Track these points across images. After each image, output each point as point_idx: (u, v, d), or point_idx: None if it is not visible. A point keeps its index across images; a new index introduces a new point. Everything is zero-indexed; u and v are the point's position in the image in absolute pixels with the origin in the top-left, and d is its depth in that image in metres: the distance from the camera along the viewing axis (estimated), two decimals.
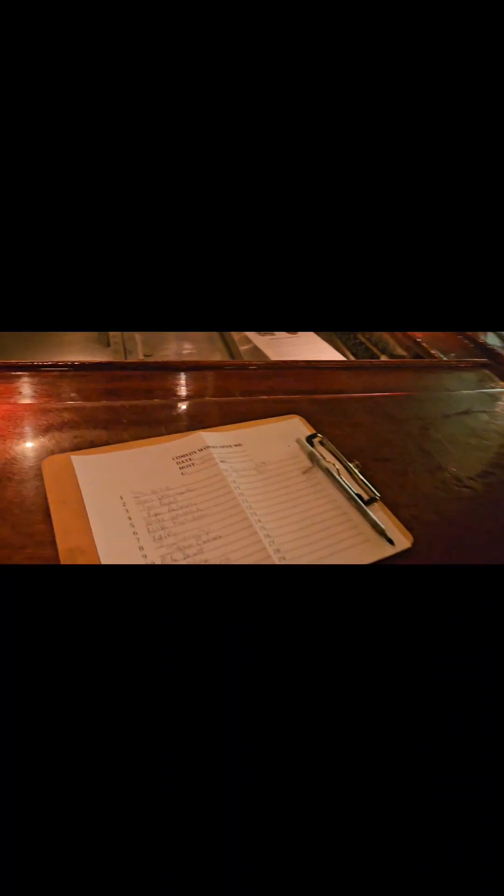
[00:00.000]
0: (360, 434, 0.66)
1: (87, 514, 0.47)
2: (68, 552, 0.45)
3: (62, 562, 0.44)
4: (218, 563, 0.46)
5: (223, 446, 0.58)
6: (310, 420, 0.66)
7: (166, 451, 0.56)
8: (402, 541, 0.51)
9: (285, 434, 0.62)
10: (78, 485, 0.50)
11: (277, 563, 0.46)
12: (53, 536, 0.46)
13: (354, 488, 0.55)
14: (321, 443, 0.61)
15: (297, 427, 0.63)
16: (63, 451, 0.55)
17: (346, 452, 0.61)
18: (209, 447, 0.57)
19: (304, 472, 0.57)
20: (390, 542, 0.50)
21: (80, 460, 0.52)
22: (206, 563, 0.45)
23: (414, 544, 0.51)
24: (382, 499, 0.56)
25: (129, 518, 0.48)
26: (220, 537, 0.48)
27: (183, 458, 0.55)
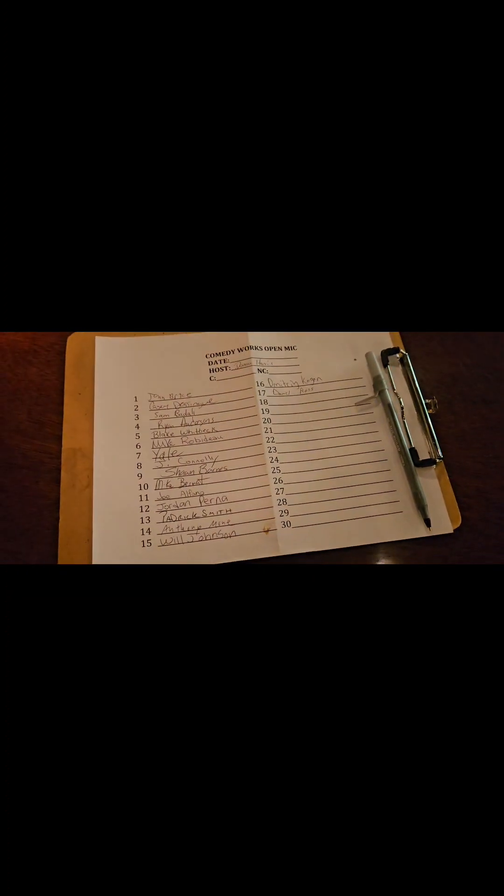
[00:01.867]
0: (467, 355, 0.50)
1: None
2: (70, 452, 0.43)
3: (63, 462, 0.42)
4: (214, 499, 0.41)
5: (270, 348, 0.47)
6: None
7: (200, 346, 0.47)
8: (445, 523, 0.41)
9: (356, 340, 0.48)
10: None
11: (278, 519, 0.40)
12: (62, 431, 0.44)
13: (413, 440, 0.44)
14: (401, 361, 0.47)
15: (378, 332, 0.49)
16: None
17: (431, 382, 0.47)
18: (251, 347, 0.47)
19: (359, 404, 0.45)
20: (427, 522, 0.40)
21: (103, 342, 0.47)
22: (201, 496, 0.41)
23: (460, 529, 0.41)
24: (449, 460, 0.44)
25: (137, 426, 0.44)
26: (225, 470, 0.42)
27: (217, 358, 0.47)
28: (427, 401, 0.45)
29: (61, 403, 0.45)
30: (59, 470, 0.42)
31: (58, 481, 0.42)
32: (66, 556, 0.39)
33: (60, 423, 0.44)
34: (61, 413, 0.45)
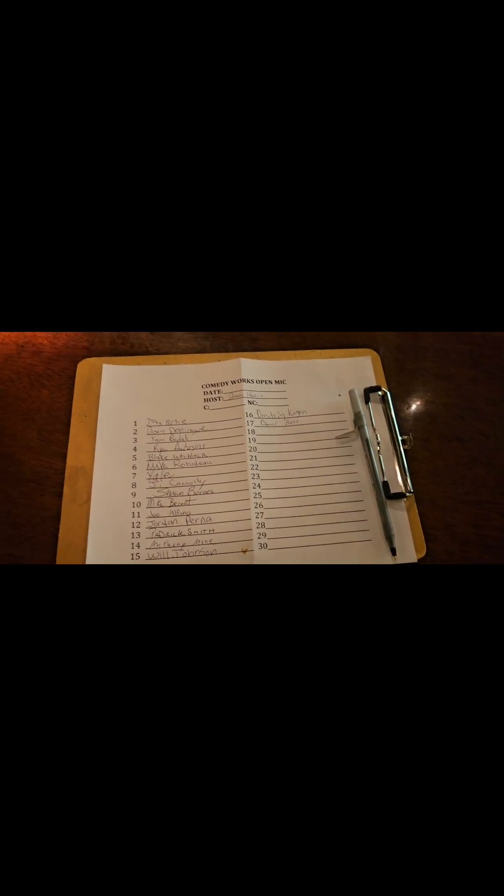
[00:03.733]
0: (446, 395, 0.53)
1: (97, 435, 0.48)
2: (73, 469, 0.47)
3: (66, 478, 0.47)
4: (199, 519, 0.45)
5: (261, 381, 0.52)
6: (388, 360, 0.54)
7: (197, 376, 0.52)
8: (410, 552, 0.44)
9: (342, 377, 0.52)
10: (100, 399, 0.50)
11: (256, 541, 0.44)
12: (67, 449, 0.49)
13: (387, 473, 0.47)
14: (382, 398, 0.51)
15: (363, 369, 0.53)
16: (104, 352, 0.54)
17: (410, 419, 0.51)
18: (243, 380, 0.51)
19: (339, 437, 0.49)
20: (393, 550, 0.44)
21: (110, 370, 0.51)
22: (188, 516, 0.45)
23: (424, 559, 0.44)
24: (421, 494, 0.47)
25: (135, 449, 0.48)
26: (211, 493, 0.46)
27: (211, 389, 0.51)
28: (403, 437, 0.49)
29: (68, 424, 0.50)
30: (62, 485, 0.47)
31: (60, 495, 0.46)
32: (62, 564, 0.43)
33: (66, 442, 0.49)
34: (67, 433, 0.50)
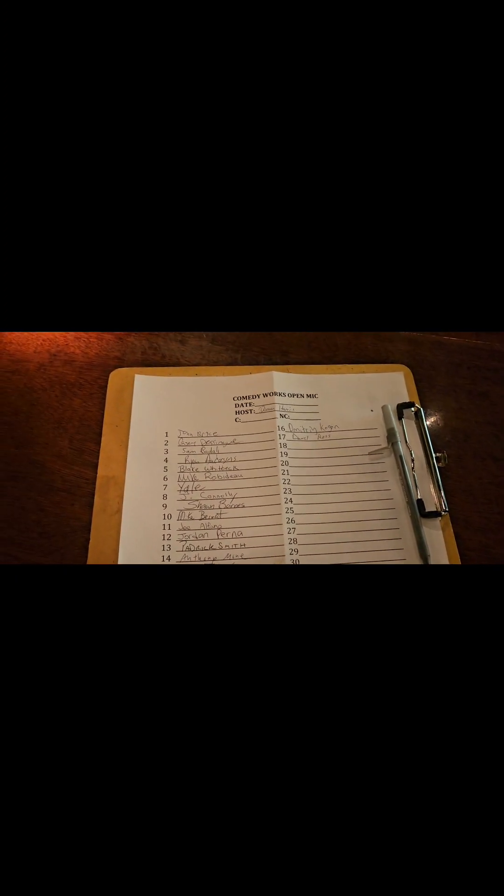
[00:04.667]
0: (480, 412, 0.52)
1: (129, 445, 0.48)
2: (104, 479, 0.47)
3: (97, 488, 0.46)
4: (230, 533, 0.44)
5: (293, 395, 0.51)
6: (421, 376, 0.54)
7: (229, 388, 0.51)
8: None
9: (374, 392, 0.52)
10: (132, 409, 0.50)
11: (288, 557, 0.43)
12: (98, 459, 0.49)
13: (421, 491, 0.46)
14: (416, 415, 0.50)
15: (395, 385, 0.52)
16: (136, 362, 0.54)
17: (444, 436, 0.50)
18: (275, 393, 0.51)
19: (372, 453, 0.48)
20: None
21: (142, 380, 0.51)
22: (219, 530, 0.45)
23: None
24: (455, 513, 0.46)
25: (166, 460, 0.48)
26: (243, 507, 0.46)
27: (243, 401, 0.51)
28: (437, 454, 0.48)
29: (100, 433, 0.50)
30: (93, 495, 0.46)
31: (91, 505, 0.46)
32: None
33: (97, 452, 0.49)
34: (99, 443, 0.49)
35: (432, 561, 0.43)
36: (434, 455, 0.48)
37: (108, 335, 0.56)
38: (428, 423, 0.50)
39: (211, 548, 0.44)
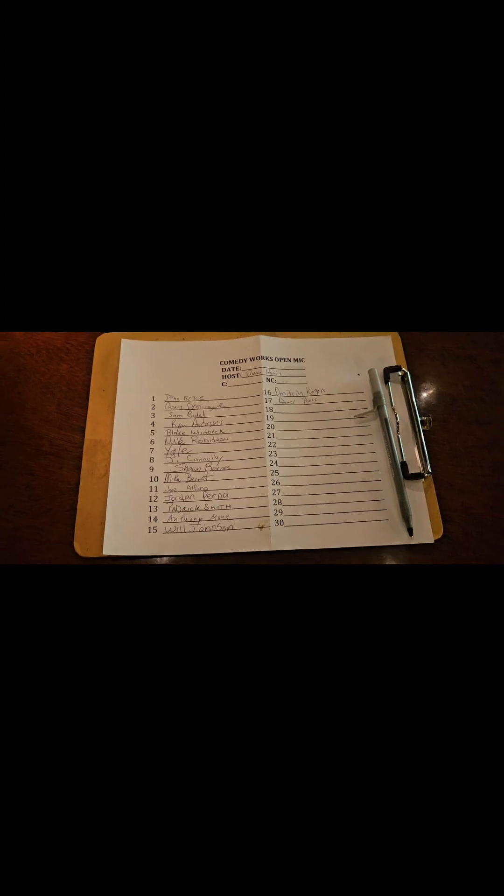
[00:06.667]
0: (465, 376, 0.52)
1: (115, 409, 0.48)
2: (91, 443, 0.47)
3: (85, 451, 0.47)
4: (216, 495, 0.45)
5: (279, 359, 0.51)
6: (410, 341, 0.53)
7: (216, 353, 0.51)
8: (427, 533, 0.44)
9: (362, 356, 0.52)
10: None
11: (273, 518, 0.44)
12: (86, 423, 0.49)
13: (405, 454, 0.47)
14: (402, 379, 0.50)
15: (383, 350, 0.52)
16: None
17: (429, 400, 0.50)
18: (262, 357, 0.51)
19: (358, 416, 0.49)
20: (409, 530, 0.44)
21: (128, 345, 0.51)
22: (205, 492, 0.45)
23: (441, 540, 0.44)
24: (439, 475, 0.47)
25: (153, 424, 0.48)
26: (229, 469, 0.46)
27: (230, 366, 0.51)
28: (423, 418, 0.48)
29: (87, 398, 0.50)
30: (80, 458, 0.47)
31: (79, 468, 0.46)
32: (81, 536, 0.43)
33: (85, 416, 0.49)
34: (86, 407, 0.50)
35: (413, 522, 0.44)
36: (419, 418, 0.48)
37: None
38: (414, 386, 0.50)
39: (197, 508, 0.45)
